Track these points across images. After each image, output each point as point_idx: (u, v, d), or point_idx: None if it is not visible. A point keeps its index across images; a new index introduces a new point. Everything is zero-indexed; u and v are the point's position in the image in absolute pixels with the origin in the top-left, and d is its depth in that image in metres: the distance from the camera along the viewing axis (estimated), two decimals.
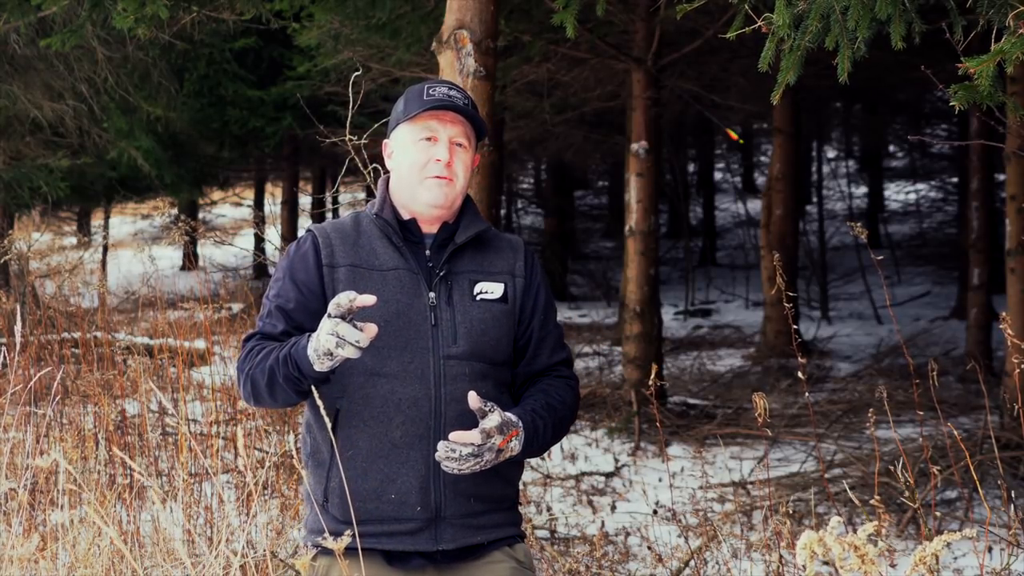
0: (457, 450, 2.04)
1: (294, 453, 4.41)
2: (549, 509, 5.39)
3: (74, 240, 19.20)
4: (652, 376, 3.46)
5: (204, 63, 12.41)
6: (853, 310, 14.08)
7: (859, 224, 2.99)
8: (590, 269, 17.97)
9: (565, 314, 14.21)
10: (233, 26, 8.14)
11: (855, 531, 1.56)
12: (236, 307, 9.77)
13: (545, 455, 6.09)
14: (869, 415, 3.01)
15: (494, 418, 2.07)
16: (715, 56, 9.36)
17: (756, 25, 2.69)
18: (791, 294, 3.22)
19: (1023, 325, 6.48)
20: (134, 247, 19.32)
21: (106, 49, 8.34)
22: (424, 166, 2.23)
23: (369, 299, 1.97)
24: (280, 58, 12.09)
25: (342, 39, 7.54)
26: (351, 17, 7.00)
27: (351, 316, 1.95)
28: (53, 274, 11.57)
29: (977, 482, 2.86)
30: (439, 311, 2.20)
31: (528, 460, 4.66)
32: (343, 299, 1.94)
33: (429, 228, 2.28)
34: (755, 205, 19.35)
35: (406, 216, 2.28)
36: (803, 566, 1.54)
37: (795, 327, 3.05)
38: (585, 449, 6.90)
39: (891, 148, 20.93)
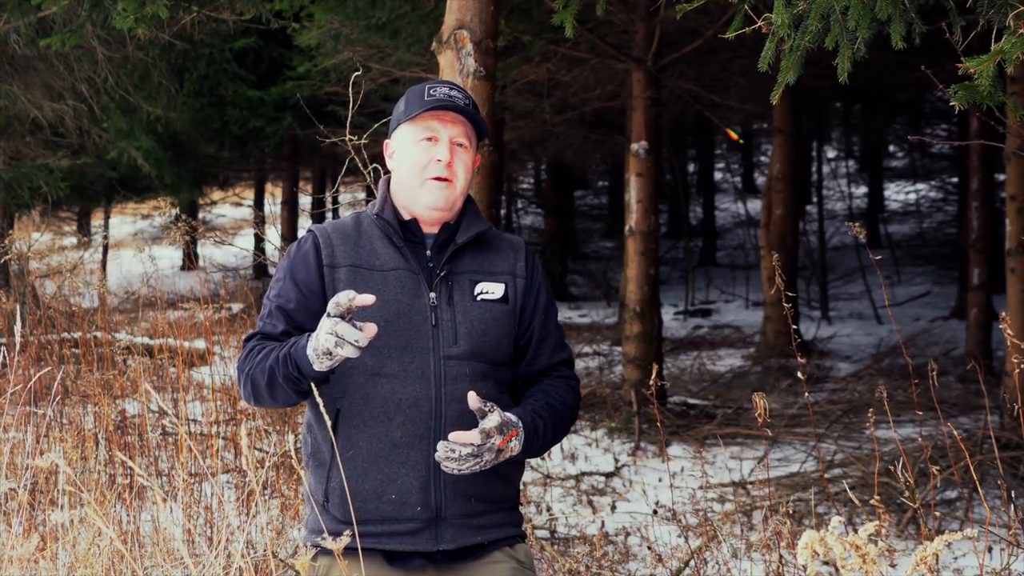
0: (456, 450, 2.04)
1: (294, 453, 4.41)
2: (549, 509, 5.39)
3: (74, 240, 19.20)
4: (652, 376, 3.46)
5: (204, 63, 12.41)
6: (853, 310, 14.08)
7: (858, 224, 2.99)
8: (590, 269, 17.97)
9: (565, 314, 14.21)
10: (233, 26, 8.14)
11: (855, 531, 1.56)
12: (236, 307, 9.77)
13: (545, 455, 6.09)
14: (869, 415, 3.01)
15: (494, 418, 2.07)
16: (715, 56, 9.36)
17: (756, 25, 2.69)
18: (791, 294, 3.22)
19: (1023, 325, 6.48)
20: (134, 247, 19.32)
21: (106, 49, 8.34)
22: (425, 166, 2.23)
23: (368, 298, 1.97)
24: (280, 58, 12.09)
25: (342, 39, 7.54)
26: (351, 17, 7.00)
27: (350, 316, 1.95)
28: (53, 274, 11.57)
29: (977, 482, 2.86)
30: (440, 311, 2.20)
31: (528, 460, 4.66)
32: (342, 298, 1.94)
33: (430, 228, 2.28)
34: (755, 205, 19.35)
35: (407, 216, 2.28)
36: (804, 566, 1.54)
37: (795, 327, 3.05)
38: (585, 449, 6.90)
39: (891, 148, 20.93)
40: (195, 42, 10.12)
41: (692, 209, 19.54)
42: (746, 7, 2.73)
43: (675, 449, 6.86)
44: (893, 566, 3.68)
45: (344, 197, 20.63)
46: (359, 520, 2.12)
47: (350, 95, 3.99)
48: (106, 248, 17.91)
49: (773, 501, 5.10)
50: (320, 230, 2.27)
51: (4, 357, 3.96)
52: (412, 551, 2.17)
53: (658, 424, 4.00)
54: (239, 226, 22.57)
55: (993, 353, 9.12)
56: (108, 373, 5.45)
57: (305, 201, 21.27)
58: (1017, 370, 2.75)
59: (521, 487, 2.50)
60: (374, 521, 2.15)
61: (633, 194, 7.68)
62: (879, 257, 3.13)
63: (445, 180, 2.23)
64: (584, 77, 9.18)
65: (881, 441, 6.41)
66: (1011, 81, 6.39)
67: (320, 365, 1.99)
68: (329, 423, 2.08)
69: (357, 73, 4.30)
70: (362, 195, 20.20)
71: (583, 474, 6.18)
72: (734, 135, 10.71)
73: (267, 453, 5.02)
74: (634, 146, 7.68)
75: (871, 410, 3.10)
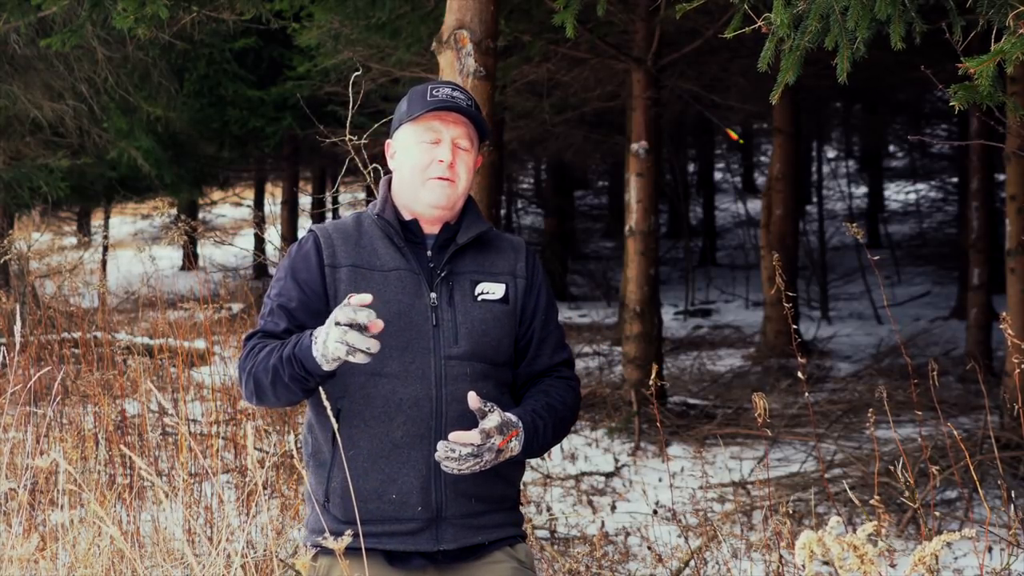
0: (456, 450, 2.05)
1: (294, 453, 4.41)
2: (549, 509, 5.39)
3: (74, 240, 19.20)
4: (652, 376, 3.46)
5: (204, 63, 12.41)
6: (853, 310, 14.08)
7: (855, 224, 2.99)
8: (590, 269, 17.97)
9: (565, 314, 14.21)
10: (233, 26, 8.14)
11: (855, 531, 1.56)
12: (236, 307, 9.77)
13: (545, 455, 6.08)
14: (869, 415, 3.01)
15: (494, 418, 2.07)
16: (715, 56, 9.36)
17: (756, 25, 2.69)
18: (791, 294, 3.22)
19: (1023, 325, 6.48)
20: (134, 247, 19.31)
21: (106, 49, 8.34)
22: (427, 167, 2.23)
23: (366, 297, 1.97)
24: (280, 58, 12.09)
25: (342, 39, 7.54)
26: (351, 17, 7.01)
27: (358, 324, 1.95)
28: (53, 274, 11.56)
29: (977, 482, 2.86)
30: (440, 311, 2.20)
31: (528, 460, 4.66)
32: (351, 312, 1.94)
33: (431, 228, 2.28)
34: (755, 205, 19.34)
35: (408, 216, 2.28)
36: (802, 566, 1.54)
37: (795, 327, 3.05)
38: (585, 449, 6.90)
39: (891, 148, 20.93)
40: (195, 42, 10.12)
41: (692, 209, 19.54)
42: (746, 7, 2.73)
43: (675, 449, 6.86)
44: (893, 566, 3.68)
45: (344, 197, 20.63)
46: (360, 520, 2.12)
47: (350, 95, 3.99)
48: (106, 248, 17.90)
49: (773, 501, 5.10)
50: (321, 230, 2.27)
51: (4, 357, 3.96)
52: (413, 551, 2.17)
53: (658, 424, 4.00)
54: (239, 226, 22.57)
55: (993, 353, 9.13)
56: (108, 373, 5.45)
57: (305, 201, 21.27)
58: (1017, 370, 2.75)
59: (521, 487, 2.50)
60: (375, 521, 2.15)
61: (633, 194, 7.68)
62: (878, 257, 3.14)
63: (447, 180, 2.23)
64: (584, 77, 9.18)
65: (881, 441, 6.41)
66: (1011, 81, 6.39)
67: (328, 366, 2.00)
68: (335, 424, 2.08)
69: (357, 73, 4.30)
70: (362, 195, 20.20)
71: (583, 474, 6.18)
72: (734, 135, 10.71)
73: (267, 453, 5.02)
74: (634, 146, 7.68)
75: (871, 410, 3.10)
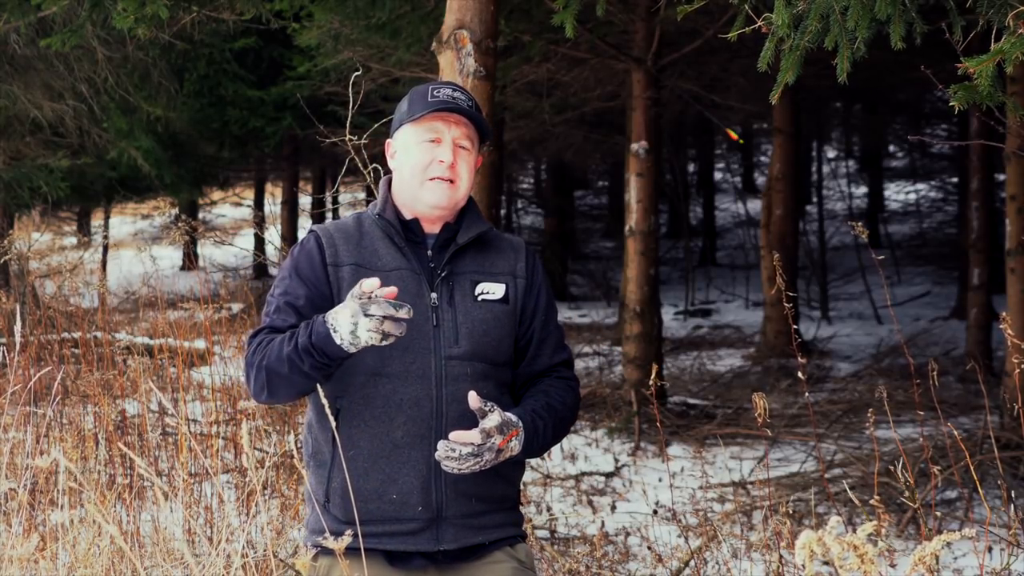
0: (457, 449, 2.05)
1: (294, 453, 4.41)
2: (549, 509, 5.39)
3: (74, 240, 19.20)
4: (652, 376, 3.46)
5: (204, 63, 12.41)
6: (853, 310, 14.08)
7: (860, 224, 2.99)
8: (590, 269, 17.97)
9: (565, 314, 14.21)
10: (233, 26, 8.14)
11: (855, 531, 1.56)
12: (236, 307, 9.77)
13: (545, 455, 6.08)
14: (869, 415, 3.01)
15: (494, 418, 2.08)
16: (715, 56, 9.36)
17: (756, 25, 2.69)
18: (791, 294, 3.22)
19: (1023, 325, 6.48)
20: (134, 247, 19.32)
21: (106, 49, 8.34)
22: (427, 167, 2.23)
23: (391, 290, 1.98)
24: (280, 58, 12.09)
25: (342, 39, 7.54)
26: (351, 17, 7.00)
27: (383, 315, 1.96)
28: (53, 274, 11.56)
29: (977, 482, 2.86)
30: (441, 311, 2.20)
31: (528, 460, 4.66)
32: (389, 308, 1.95)
33: (431, 228, 2.28)
34: (755, 205, 19.34)
35: (408, 216, 2.28)
36: (802, 566, 1.54)
37: (795, 327, 3.05)
38: (585, 449, 6.90)
39: (891, 148, 20.93)
40: (195, 42, 10.12)
41: (692, 209, 19.54)
42: (746, 7, 2.73)
43: (675, 449, 6.86)
44: (893, 566, 3.68)
45: (344, 197, 20.63)
46: (360, 520, 2.12)
47: (350, 95, 4.00)
48: (106, 248, 17.90)
49: (773, 501, 5.10)
50: (323, 230, 2.27)
51: (4, 357, 3.97)
52: (413, 551, 2.17)
53: (658, 424, 4.00)
54: (239, 226, 22.56)
55: (993, 353, 9.12)
56: (108, 373, 5.45)
57: (305, 201, 21.27)
58: (1017, 370, 2.75)
59: (521, 487, 2.50)
60: (375, 521, 2.15)
61: (633, 194, 7.68)
62: (880, 257, 3.14)
63: (448, 180, 2.23)
64: (584, 77, 9.18)
65: (881, 441, 6.41)
66: (1011, 81, 6.39)
67: (354, 351, 2.00)
68: (334, 424, 2.07)
69: (357, 73, 4.30)
70: (362, 195, 20.20)
71: (583, 474, 6.18)
72: (734, 135, 10.70)
73: (267, 453, 5.02)
74: (634, 146, 7.68)
75: (871, 410, 3.10)
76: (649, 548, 4.41)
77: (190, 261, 15.74)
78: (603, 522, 4.95)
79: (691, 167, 19.82)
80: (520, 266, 2.32)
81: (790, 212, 10.43)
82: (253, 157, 16.64)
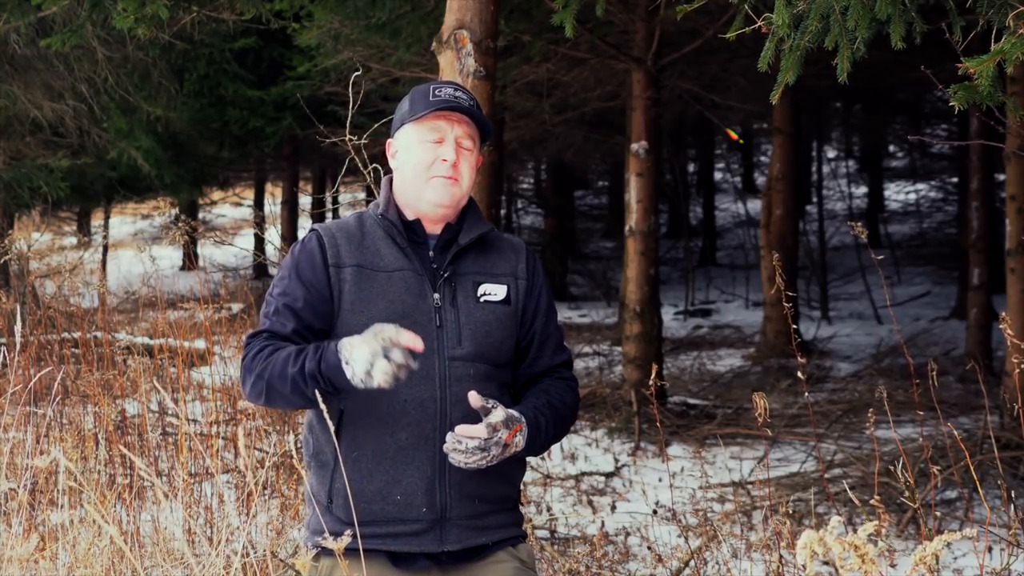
0: (464, 442, 2.06)
1: (294, 453, 4.41)
2: (549, 509, 5.39)
3: (74, 240, 19.21)
4: (652, 376, 3.46)
5: (204, 63, 12.41)
6: (853, 310, 14.08)
7: (859, 224, 2.99)
8: (590, 269, 17.97)
9: (565, 314, 14.21)
10: (233, 26, 8.14)
11: (855, 531, 1.56)
12: (236, 307, 9.77)
13: (545, 455, 6.09)
14: (869, 415, 3.01)
15: (498, 413, 2.09)
16: (715, 56, 9.36)
17: (756, 25, 2.69)
18: (791, 294, 3.22)
19: (1023, 325, 6.48)
20: (134, 247, 19.31)
21: (106, 49, 8.34)
22: (430, 166, 2.23)
23: (418, 343, 2.00)
24: (280, 58, 12.09)
25: (342, 39, 7.54)
26: (351, 17, 7.00)
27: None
28: (53, 274, 11.57)
29: (977, 482, 2.86)
30: (444, 312, 2.20)
31: (528, 460, 4.67)
32: (409, 359, 1.98)
33: (433, 229, 2.28)
34: (755, 205, 19.34)
35: (410, 216, 2.27)
36: (803, 566, 1.54)
37: (795, 327, 3.05)
38: (585, 449, 6.90)
39: (891, 148, 20.93)
40: (195, 42, 10.12)
41: (692, 209, 19.54)
42: (746, 7, 2.73)
43: (675, 449, 6.86)
44: (893, 566, 3.68)
45: (344, 197, 20.63)
46: (364, 521, 2.12)
47: (350, 95, 3.99)
48: (106, 248, 17.90)
49: (773, 501, 5.10)
50: (324, 229, 2.26)
51: (4, 357, 3.96)
52: (417, 552, 2.17)
53: (658, 424, 4.00)
54: (239, 226, 22.56)
55: (993, 353, 9.12)
56: (108, 373, 5.45)
57: (305, 201, 21.27)
58: (1017, 370, 2.75)
59: (521, 487, 2.50)
60: (379, 522, 2.15)
61: (633, 194, 7.68)
62: (880, 257, 3.13)
63: (450, 179, 2.23)
64: (584, 77, 9.18)
65: (881, 441, 6.41)
66: (1011, 81, 6.39)
67: (362, 387, 2.02)
68: (332, 427, 2.07)
69: (357, 73, 4.30)
70: (362, 195, 20.20)
71: (583, 474, 6.18)
72: (734, 135, 10.71)
73: (267, 453, 5.02)
74: (634, 146, 7.68)
75: (871, 410, 3.10)
76: (649, 548, 4.41)
77: (190, 261, 15.74)
78: (603, 522, 4.95)
79: (691, 167, 19.82)
80: (521, 267, 2.32)
81: (790, 212, 10.43)
82: (253, 157, 16.64)
